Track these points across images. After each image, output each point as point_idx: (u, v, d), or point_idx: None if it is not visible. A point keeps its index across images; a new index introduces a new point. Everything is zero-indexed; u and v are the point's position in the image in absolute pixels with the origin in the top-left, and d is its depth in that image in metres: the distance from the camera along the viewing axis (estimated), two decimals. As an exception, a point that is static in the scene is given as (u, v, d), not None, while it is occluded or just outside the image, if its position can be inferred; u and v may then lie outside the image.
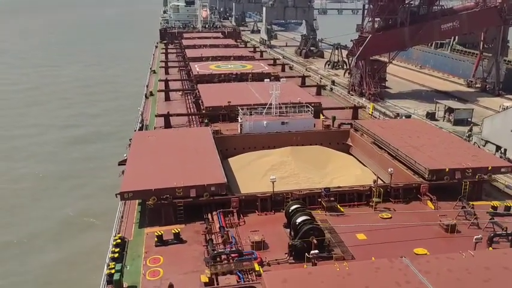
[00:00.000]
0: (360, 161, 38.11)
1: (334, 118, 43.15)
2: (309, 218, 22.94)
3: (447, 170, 29.18)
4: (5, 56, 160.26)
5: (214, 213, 26.09)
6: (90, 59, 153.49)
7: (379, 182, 28.72)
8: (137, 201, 28.24)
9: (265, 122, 40.23)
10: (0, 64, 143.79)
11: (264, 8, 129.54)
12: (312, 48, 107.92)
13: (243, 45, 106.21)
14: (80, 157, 63.33)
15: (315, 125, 41.60)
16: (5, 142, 69.58)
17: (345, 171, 35.47)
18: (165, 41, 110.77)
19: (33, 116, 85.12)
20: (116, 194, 25.81)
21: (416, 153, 31.88)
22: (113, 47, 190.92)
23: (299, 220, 22.74)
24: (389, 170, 29.23)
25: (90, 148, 67.04)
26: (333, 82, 71.85)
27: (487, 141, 44.22)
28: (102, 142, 69.32)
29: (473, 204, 26.71)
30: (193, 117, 46.09)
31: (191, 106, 50.71)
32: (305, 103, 42.55)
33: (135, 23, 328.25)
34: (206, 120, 43.55)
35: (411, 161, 31.19)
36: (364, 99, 62.09)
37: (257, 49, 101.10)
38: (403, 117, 49.95)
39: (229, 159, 37.11)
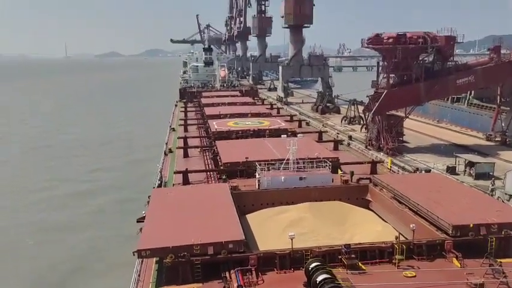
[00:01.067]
0: (380, 217, 37.30)
1: (352, 173, 42.83)
2: (329, 276, 22.22)
3: (471, 225, 28.27)
4: (38, 116, 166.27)
5: (232, 271, 25.45)
6: (113, 116, 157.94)
7: (401, 238, 27.92)
8: (154, 259, 27.89)
9: (283, 178, 40.15)
10: (26, 122, 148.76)
11: (280, 67, 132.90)
12: (328, 104, 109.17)
13: (260, 103, 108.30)
14: (96, 211, 63.76)
15: (333, 180, 41.30)
16: (26, 194, 70.74)
17: (365, 227, 34.68)
18: (184, 100, 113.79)
19: (56, 169, 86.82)
20: (133, 252, 25.55)
21: (438, 208, 31.12)
22: (135, 106, 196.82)
23: (319, 279, 22.02)
24: (411, 226, 28.46)
25: (107, 204, 67.46)
26: (350, 137, 71.89)
27: (511, 196, 43.03)
28: (120, 199, 69.77)
29: (501, 262, 25.56)
30: (211, 173, 46.32)
31: (209, 162, 51.12)
32: (323, 158, 42.54)
33: (156, 84, 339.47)
34: (224, 176, 43.69)
35: (434, 216, 30.39)
36: (382, 153, 61.72)
37: (274, 106, 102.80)
38: (423, 172, 49.20)
39: (247, 216, 36.75)
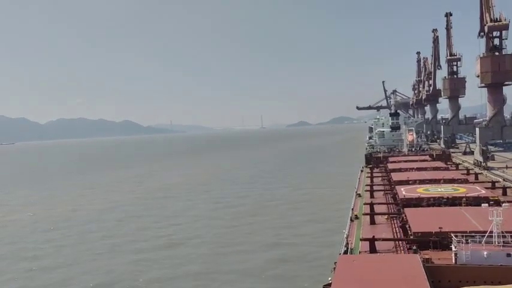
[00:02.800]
0: None
1: None
2: None
3: None
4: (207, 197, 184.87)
5: None
6: (298, 181, 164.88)
7: None
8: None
9: (485, 253, 35.19)
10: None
11: (478, 129, 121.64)
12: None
13: (454, 168, 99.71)
14: (280, 276, 65.33)
15: (552, 260, 34.47)
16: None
17: None
18: (370, 165, 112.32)
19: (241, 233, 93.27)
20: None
21: None
22: (320, 169, 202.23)
23: None
24: None
25: (289, 269, 68.73)
26: None
27: None
28: (303, 263, 70.51)
29: None
30: (400, 242, 43.61)
31: (397, 231, 48.32)
32: (537, 233, 36.13)
33: (341, 149, 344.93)
34: (414, 247, 40.56)
35: None
36: None
37: (471, 171, 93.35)
38: None
39: (443, 293, 33.00)
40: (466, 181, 73.77)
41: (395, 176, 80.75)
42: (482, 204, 48.99)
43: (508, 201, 53.78)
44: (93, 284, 66.90)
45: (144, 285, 65.72)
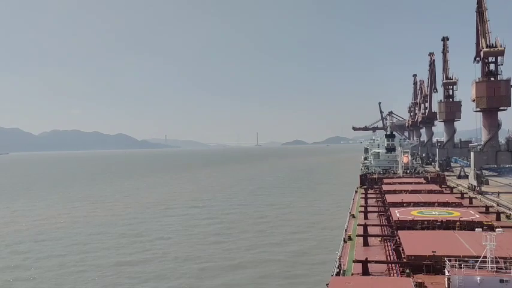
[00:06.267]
0: None
1: None
2: None
3: None
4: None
5: None
6: (292, 199, 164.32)
7: None
8: None
9: (478, 278, 34.83)
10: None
11: (472, 153, 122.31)
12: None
13: (449, 191, 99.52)
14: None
15: (546, 287, 34.13)
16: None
17: None
18: (364, 186, 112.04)
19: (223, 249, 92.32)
20: None
21: None
22: (314, 189, 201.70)
23: None
24: None
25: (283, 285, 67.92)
26: None
27: None
28: (295, 284, 69.72)
29: None
30: (393, 265, 43.18)
31: (391, 253, 47.92)
32: (531, 259, 35.88)
33: (335, 169, 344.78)
34: (407, 271, 40.15)
35: None
36: None
37: (465, 195, 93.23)
38: None
39: (435, 319, 32.52)
40: (460, 205, 73.52)
41: (389, 198, 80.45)
42: (476, 229, 48.80)
43: (502, 227, 53.58)
44: None
45: None
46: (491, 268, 35.34)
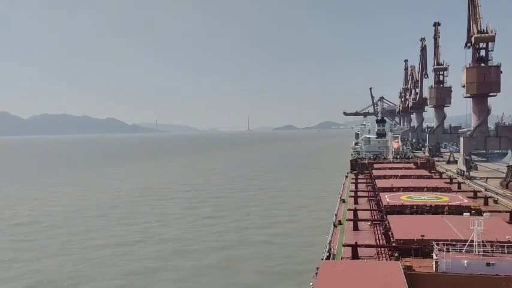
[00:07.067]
0: None
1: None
2: None
3: None
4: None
5: None
6: (282, 183, 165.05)
7: None
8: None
9: (465, 262, 35.50)
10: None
11: (462, 139, 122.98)
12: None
13: (438, 176, 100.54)
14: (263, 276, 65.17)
15: (531, 270, 34.88)
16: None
17: None
18: (355, 171, 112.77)
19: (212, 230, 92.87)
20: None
21: None
22: (305, 174, 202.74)
23: None
24: None
25: (273, 268, 68.62)
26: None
27: None
28: (285, 268, 70.48)
29: None
30: (382, 249, 43.81)
31: (380, 238, 48.56)
32: (517, 243, 36.57)
33: (327, 154, 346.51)
34: (396, 254, 40.75)
35: None
36: None
37: (454, 180, 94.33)
38: None
39: (423, 301, 33.16)
40: (449, 190, 74.42)
41: (379, 183, 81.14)
42: (464, 214, 49.49)
43: (489, 211, 54.37)
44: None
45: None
46: (478, 252, 36.02)
